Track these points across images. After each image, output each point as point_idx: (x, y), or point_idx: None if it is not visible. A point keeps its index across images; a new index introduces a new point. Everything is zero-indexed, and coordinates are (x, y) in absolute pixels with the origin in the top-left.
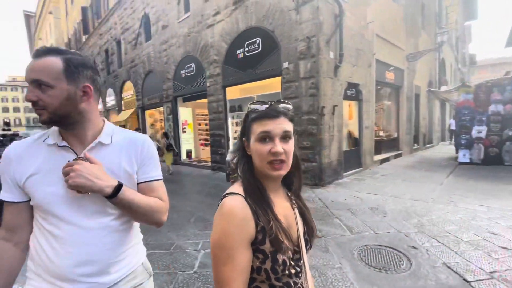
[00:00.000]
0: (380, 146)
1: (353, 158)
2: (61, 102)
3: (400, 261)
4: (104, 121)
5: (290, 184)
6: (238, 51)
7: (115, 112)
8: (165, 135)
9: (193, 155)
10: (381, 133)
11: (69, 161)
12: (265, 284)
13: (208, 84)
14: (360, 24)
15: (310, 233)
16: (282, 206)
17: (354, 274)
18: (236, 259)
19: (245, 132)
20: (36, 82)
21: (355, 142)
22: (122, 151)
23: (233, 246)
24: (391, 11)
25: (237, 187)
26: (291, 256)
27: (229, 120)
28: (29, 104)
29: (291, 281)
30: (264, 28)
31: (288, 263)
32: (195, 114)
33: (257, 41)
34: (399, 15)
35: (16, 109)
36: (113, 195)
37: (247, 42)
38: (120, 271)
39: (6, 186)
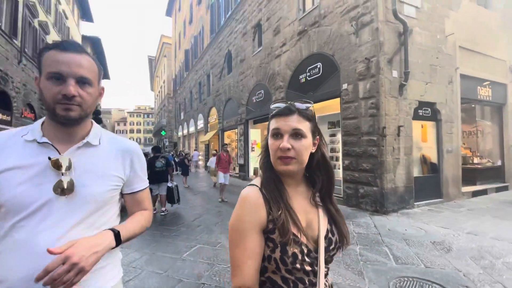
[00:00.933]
0: (474, 175)
1: (429, 186)
2: (93, 101)
3: None
4: (92, 122)
5: (314, 184)
6: (300, 76)
7: (203, 133)
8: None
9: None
10: (476, 160)
11: (49, 158)
12: (277, 276)
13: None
14: (435, 38)
15: (340, 237)
16: (301, 202)
17: None
18: (247, 242)
19: (268, 131)
20: (82, 79)
21: (432, 168)
22: (112, 157)
23: (245, 230)
24: (481, 18)
25: (257, 180)
26: (305, 251)
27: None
28: (146, 126)
29: (305, 279)
30: (324, 53)
31: (300, 257)
32: (263, 135)
33: (318, 66)
34: (494, 22)
35: (138, 131)
36: (118, 243)
37: (309, 68)
38: None
39: None
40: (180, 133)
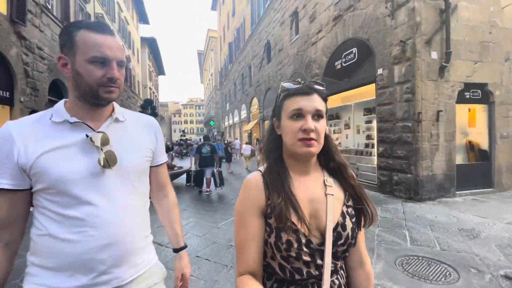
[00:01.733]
0: None
1: (476, 175)
2: (123, 82)
3: (448, 274)
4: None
5: (328, 167)
6: (336, 63)
7: (246, 122)
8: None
9: None
10: None
11: (86, 135)
12: (275, 263)
13: None
14: (487, 11)
15: (365, 215)
16: (308, 191)
17: (380, 271)
18: (248, 224)
19: (275, 112)
20: (121, 63)
21: (481, 155)
22: (139, 130)
23: (246, 212)
24: None
25: (263, 167)
26: (302, 241)
27: (326, 128)
28: (197, 117)
29: (304, 270)
30: (359, 38)
31: (295, 246)
32: None
33: (353, 51)
34: None
35: (191, 121)
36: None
37: (344, 53)
38: (138, 266)
39: (3, 172)
40: (226, 123)
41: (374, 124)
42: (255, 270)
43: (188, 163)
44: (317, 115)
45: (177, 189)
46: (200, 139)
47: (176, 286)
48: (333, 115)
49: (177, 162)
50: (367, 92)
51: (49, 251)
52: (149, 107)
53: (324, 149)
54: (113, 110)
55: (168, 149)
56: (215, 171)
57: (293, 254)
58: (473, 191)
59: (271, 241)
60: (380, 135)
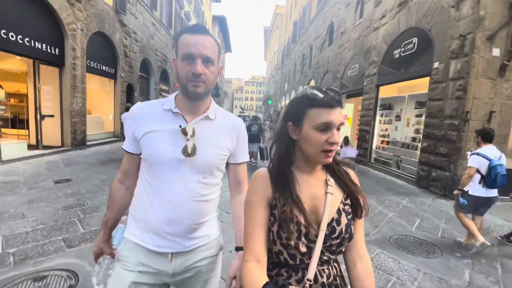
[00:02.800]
0: None
1: None
2: (214, 79)
3: (432, 252)
4: (211, 100)
5: (329, 167)
6: (395, 52)
7: None
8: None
9: None
10: None
11: (180, 125)
12: (273, 250)
13: (365, 83)
14: None
15: (357, 211)
16: (310, 189)
17: (374, 240)
18: (256, 213)
19: (293, 117)
20: (207, 59)
21: None
22: (225, 130)
23: (254, 202)
24: None
25: (269, 165)
26: (303, 231)
27: (377, 118)
28: (258, 95)
29: (297, 257)
30: (421, 27)
31: (295, 236)
32: (356, 110)
33: (414, 41)
34: None
35: (251, 99)
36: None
37: (404, 42)
38: (199, 239)
39: (128, 138)
40: (283, 103)
41: (423, 118)
42: (260, 257)
43: None
44: (340, 127)
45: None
46: (252, 116)
47: (228, 286)
48: (386, 105)
49: None
50: (422, 85)
51: (138, 208)
52: (214, 91)
53: None
54: (208, 107)
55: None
56: (261, 146)
57: (292, 243)
58: None
59: (273, 229)
60: (426, 130)
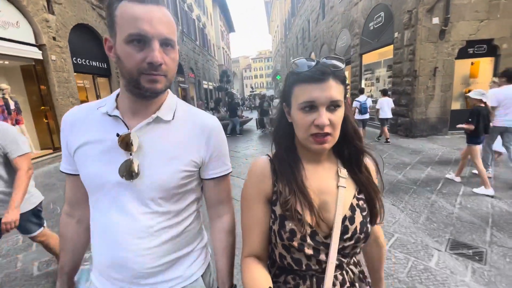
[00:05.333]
0: None
1: None
2: (175, 67)
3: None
4: (168, 92)
5: (341, 155)
6: (370, 24)
7: None
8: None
9: None
10: None
11: (117, 134)
12: (277, 251)
13: (351, 53)
14: None
15: (372, 217)
16: (318, 182)
17: None
18: (252, 210)
19: (283, 94)
20: (166, 41)
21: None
22: (189, 134)
23: (250, 198)
24: None
25: (272, 152)
26: (308, 231)
27: (363, 82)
28: (266, 71)
29: (303, 262)
30: (385, 3)
31: (298, 236)
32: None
33: (381, 15)
34: None
35: (261, 76)
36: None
37: (375, 16)
38: (165, 283)
39: (64, 155)
40: None
41: (391, 79)
42: (259, 253)
43: (255, 115)
44: (333, 106)
45: (249, 131)
46: (263, 94)
47: None
48: (369, 70)
49: (248, 114)
50: (389, 51)
51: (92, 244)
52: (224, 77)
53: (341, 135)
54: (161, 105)
55: (239, 105)
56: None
57: (295, 244)
58: None
59: (274, 228)
60: (393, 87)
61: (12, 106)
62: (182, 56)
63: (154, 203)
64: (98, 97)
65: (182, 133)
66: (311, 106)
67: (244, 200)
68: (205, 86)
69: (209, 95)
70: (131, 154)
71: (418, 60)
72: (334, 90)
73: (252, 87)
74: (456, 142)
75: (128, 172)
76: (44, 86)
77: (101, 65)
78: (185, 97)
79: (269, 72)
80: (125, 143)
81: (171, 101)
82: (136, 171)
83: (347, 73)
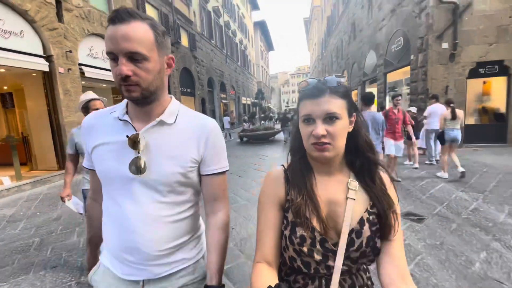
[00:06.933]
0: None
1: (488, 131)
2: (154, 76)
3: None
4: (171, 98)
5: (354, 167)
6: (392, 47)
7: None
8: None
9: None
10: None
11: (127, 136)
12: (287, 255)
13: (377, 71)
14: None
15: (383, 231)
16: (328, 192)
17: None
18: (266, 214)
19: (297, 110)
20: (131, 54)
21: (496, 117)
22: (189, 135)
23: (266, 203)
24: None
25: (287, 163)
26: (317, 238)
27: (387, 98)
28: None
29: (312, 266)
30: (403, 29)
31: (308, 242)
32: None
33: (400, 40)
34: None
35: (298, 91)
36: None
37: (396, 40)
38: (172, 264)
39: (86, 153)
40: None
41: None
42: (270, 259)
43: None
44: (330, 117)
45: (277, 142)
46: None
47: None
48: (394, 87)
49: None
50: (408, 72)
51: (104, 230)
52: (260, 94)
53: (353, 148)
54: (164, 110)
55: (289, 119)
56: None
57: (305, 250)
58: (480, 144)
59: (286, 233)
60: (411, 104)
61: None
62: (225, 76)
63: (160, 194)
64: None
65: (183, 134)
66: (309, 119)
67: (259, 204)
68: (244, 102)
69: (247, 109)
70: (138, 153)
71: (430, 80)
72: (331, 104)
73: (287, 103)
74: (464, 153)
75: (137, 167)
76: None
77: None
78: (225, 111)
79: None
80: (133, 143)
81: (173, 107)
82: (143, 167)
83: (374, 90)
